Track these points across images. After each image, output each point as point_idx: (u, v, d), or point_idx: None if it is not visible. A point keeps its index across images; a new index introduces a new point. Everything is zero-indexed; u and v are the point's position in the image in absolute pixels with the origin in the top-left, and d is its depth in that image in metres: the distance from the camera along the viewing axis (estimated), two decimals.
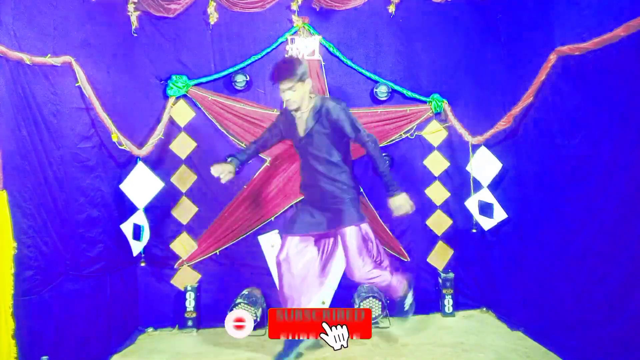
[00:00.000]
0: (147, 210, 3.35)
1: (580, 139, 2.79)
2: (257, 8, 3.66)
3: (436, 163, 3.91)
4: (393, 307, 3.36)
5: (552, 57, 2.92)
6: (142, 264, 3.50)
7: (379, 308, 3.57)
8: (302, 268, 3.03)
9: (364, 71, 3.79)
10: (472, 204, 3.70)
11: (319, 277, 3.12)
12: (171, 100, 3.60)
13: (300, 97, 2.90)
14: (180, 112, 3.66)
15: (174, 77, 3.59)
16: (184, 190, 3.68)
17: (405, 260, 3.88)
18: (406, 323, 3.19)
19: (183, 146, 3.66)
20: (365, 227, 3.00)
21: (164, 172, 3.57)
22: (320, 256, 3.16)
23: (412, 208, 2.90)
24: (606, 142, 2.57)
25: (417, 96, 3.83)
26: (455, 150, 3.91)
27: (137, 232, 3.28)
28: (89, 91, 2.87)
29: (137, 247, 3.36)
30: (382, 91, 3.78)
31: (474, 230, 3.80)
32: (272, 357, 3.08)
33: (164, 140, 3.58)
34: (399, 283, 3.11)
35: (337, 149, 2.97)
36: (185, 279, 3.70)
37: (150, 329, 3.67)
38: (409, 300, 3.16)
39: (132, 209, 3.31)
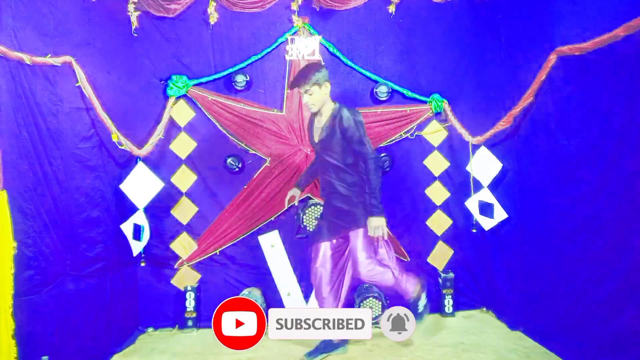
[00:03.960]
0: (147, 210, 3.35)
1: (580, 139, 2.79)
2: (257, 8, 3.65)
3: (436, 163, 3.91)
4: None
5: (552, 57, 2.92)
6: (142, 264, 3.51)
7: (379, 308, 3.59)
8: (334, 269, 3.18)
9: (364, 71, 3.78)
10: (472, 204, 3.70)
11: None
12: (171, 100, 3.60)
13: (318, 101, 2.96)
14: (180, 112, 3.66)
15: (174, 77, 3.59)
16: (184, 190, 3.68)
17: (405, 260, 3.88)
18: (421, 325, 3.15)
19: (183, 146, 3.67)
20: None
21: (164, 172, 3.58)
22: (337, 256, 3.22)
23: (386, 235, 2.96)
24: (606, 142, 2.57)
25: (417, 96, 3.83)
26: (455, 150, 3.91)
27: (137, 232, 3.29)
28: (89, 91, 2.87)
29: (137, 247, 3.36)
30: (382, 91, 3.78)
31: (474, 230, 3.80)
32: (272, 358, 3.08)
33: (164, 140, 3.58)
34: (410, 285, 3.12)
35: (350, 154, 2.97)
36: (185, 279, 3.70)
37: (150, 329, 3.67)
38: (423, 302, 3.15)
39: (132, 209, 3.31)
